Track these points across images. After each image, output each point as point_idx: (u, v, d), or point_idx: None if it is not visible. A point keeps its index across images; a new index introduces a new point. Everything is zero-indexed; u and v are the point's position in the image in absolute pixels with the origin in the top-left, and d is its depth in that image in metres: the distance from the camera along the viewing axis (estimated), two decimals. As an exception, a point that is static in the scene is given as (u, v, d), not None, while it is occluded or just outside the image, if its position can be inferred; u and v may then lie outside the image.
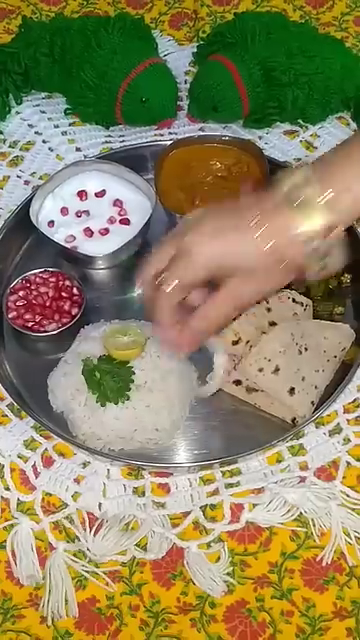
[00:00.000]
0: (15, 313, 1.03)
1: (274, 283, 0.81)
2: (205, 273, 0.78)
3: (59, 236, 1.08)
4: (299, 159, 1.22)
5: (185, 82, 1.31)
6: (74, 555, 0.90)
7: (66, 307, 1.04)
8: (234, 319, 0.96)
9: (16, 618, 0.87)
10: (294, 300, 1.01)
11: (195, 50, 1.33)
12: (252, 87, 1.18)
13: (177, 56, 1.34)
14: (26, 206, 1.10)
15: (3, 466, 0.96)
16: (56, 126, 1.27)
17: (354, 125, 1.26)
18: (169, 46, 1.36)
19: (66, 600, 0.87)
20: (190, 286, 0.80)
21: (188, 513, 0.92)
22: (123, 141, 1.25)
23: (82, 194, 1.12)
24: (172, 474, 0.95)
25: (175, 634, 0.86)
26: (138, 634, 0.86)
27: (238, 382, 0.98)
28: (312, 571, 0.89)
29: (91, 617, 0.87)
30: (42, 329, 1.02)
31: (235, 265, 0.77)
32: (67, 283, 1.06)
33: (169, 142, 1.16)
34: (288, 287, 1.02)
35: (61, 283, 1.06)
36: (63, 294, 1.05)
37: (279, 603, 0.87)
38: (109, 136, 1.26)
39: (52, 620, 0.86)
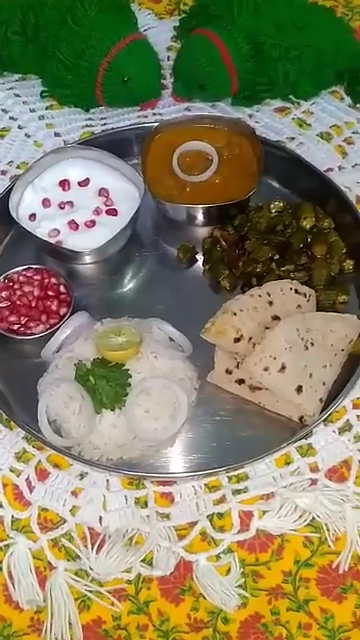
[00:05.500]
0: (-1, 316, 0.97)
1: None
2: None
3: (42, 230, 1.01)
4: (292, 138, 1.15)
5: (168, 59, 1.23)
6: (76, 574, 0.84)
7: (53, 307, 0.97)
8: (234, 314, 0.91)
9: (17, 646, 0.82)
10: (296, 291, 0.95)
11: (177, 24, 1.25)
12: (241, 62, 1.11)
13: (157, 31, 1.27)
14: (4, 199, 1.02)
15: (-6, 481, 0.90)
16: (32, 110, 1.20)
17: (348, 100, 1.19)
18: (149, 20, 1.29)
19: (70, 623, 0.82)
20: None
21: (195, 523, 0.87)
22: (105, 124, 1.17)
23: (64, 184, 1.05)
24: (175, 482, 0.89)
25: (187, 653, 0.81)
26: (148, 655, 0.81)
27: (241, 381, 0.92)
28: (329, 579, 0.84)
29: (97, 640, 0.82)
30: (29, 331, 0.96)
31: None
32: (53, 280, 0.99)
33: (154, 124, 1.09)
34: (289, 277, 0.98)
35: (47, 281, 0.99)
36: (49, 293, 0.98)
37: (296, 615, 0.83)
38: (89, 119, 1.18)
39: (56, 646, 0.81)
